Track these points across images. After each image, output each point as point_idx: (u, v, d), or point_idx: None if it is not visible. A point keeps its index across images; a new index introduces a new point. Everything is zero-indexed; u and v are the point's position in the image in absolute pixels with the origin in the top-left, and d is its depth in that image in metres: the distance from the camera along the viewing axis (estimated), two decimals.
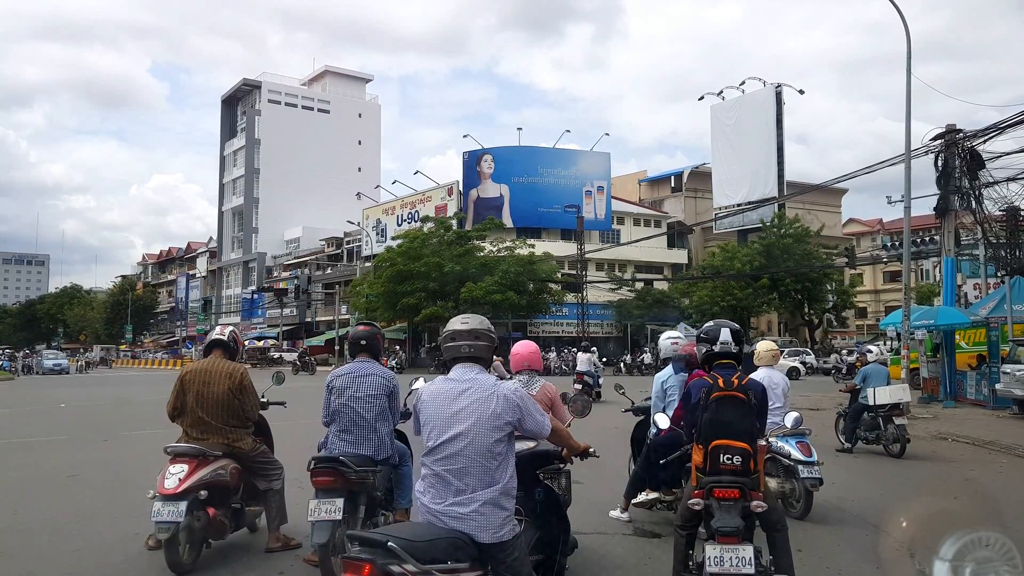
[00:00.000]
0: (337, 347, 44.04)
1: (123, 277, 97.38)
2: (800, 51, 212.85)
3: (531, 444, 4.06)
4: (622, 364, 38.51)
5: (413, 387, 4.15)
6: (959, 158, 18.48)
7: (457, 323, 3.24)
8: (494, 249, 41.67)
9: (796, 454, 6.49)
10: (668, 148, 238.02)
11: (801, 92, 50.57)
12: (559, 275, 43.92)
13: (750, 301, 42.80)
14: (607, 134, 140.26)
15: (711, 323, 4.48)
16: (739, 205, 48.86)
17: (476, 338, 3.18)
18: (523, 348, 5.29)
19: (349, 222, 56.22)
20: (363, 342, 5.17)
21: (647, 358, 35.91)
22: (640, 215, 55.14)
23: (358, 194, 59.90)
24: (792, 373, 29.57)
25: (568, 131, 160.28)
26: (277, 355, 48.75)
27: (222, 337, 5.53)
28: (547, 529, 3.88)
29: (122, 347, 69.86)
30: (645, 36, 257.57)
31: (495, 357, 4.58)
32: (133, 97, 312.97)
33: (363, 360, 5.11)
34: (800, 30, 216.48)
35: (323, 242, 66.20)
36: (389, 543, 2.68)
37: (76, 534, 6.01)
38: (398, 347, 44.11)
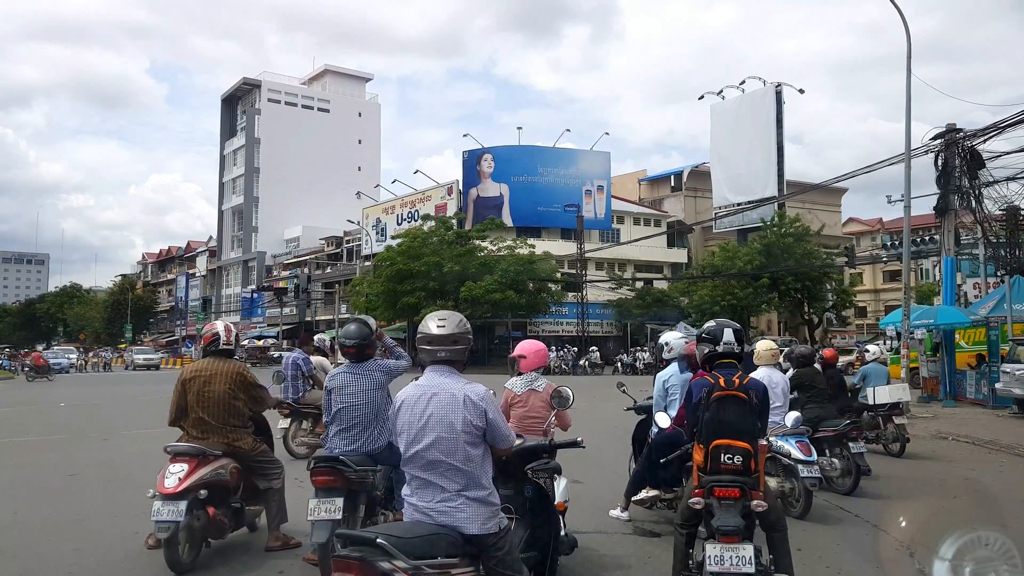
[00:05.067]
0: (337, 347, 43.97)
1: (123, 276, 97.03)
2: (795, 53, 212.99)
3: (517, 441, 4.08)
4: (619, 363, 38.62)
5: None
6: (959, 157, 18.47)
7: (433, 326, 3.10)
8: (494, 248, 41.62)
9: (796, 454, 6.49)
10: (665, 148, 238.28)
11: (801, 91, 50.44)
12: (559, 274, 43.88)
13: (750, 300, 42.74)
14: (607, 133, 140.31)
15: (712, 323, 4.45)
16: (739, 204, 48.79)
17: (454, 343, 3.09)
18: (529, 350, 5.27)
19: (349, 221, 56.11)
20: (349, 347, 5.08)
21: (646, 356, 35.84)
22: (640, 214, 55.07)
23: (358, 193, 59.77)
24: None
25: (568, 130, 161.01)
26: (277, 354, 48.78)
27: (228, 347, 5.45)
28: (538, 527, 3.88)
29: (122, 346, 69.82)
30: (641, 37, 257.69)
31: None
32: (132, 97, 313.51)
33: (358, 360, 5.08)
34: (795, 32, 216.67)
35: (323, 241, 66.11)
36: (378, 540, 2.68)
37: (76, 533, 6.01)
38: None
